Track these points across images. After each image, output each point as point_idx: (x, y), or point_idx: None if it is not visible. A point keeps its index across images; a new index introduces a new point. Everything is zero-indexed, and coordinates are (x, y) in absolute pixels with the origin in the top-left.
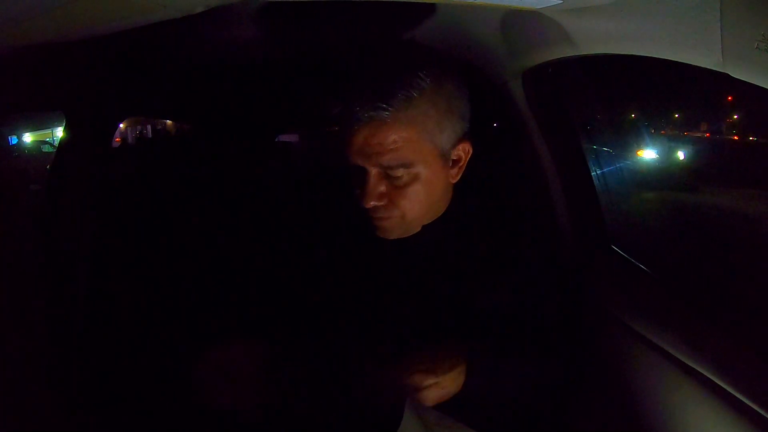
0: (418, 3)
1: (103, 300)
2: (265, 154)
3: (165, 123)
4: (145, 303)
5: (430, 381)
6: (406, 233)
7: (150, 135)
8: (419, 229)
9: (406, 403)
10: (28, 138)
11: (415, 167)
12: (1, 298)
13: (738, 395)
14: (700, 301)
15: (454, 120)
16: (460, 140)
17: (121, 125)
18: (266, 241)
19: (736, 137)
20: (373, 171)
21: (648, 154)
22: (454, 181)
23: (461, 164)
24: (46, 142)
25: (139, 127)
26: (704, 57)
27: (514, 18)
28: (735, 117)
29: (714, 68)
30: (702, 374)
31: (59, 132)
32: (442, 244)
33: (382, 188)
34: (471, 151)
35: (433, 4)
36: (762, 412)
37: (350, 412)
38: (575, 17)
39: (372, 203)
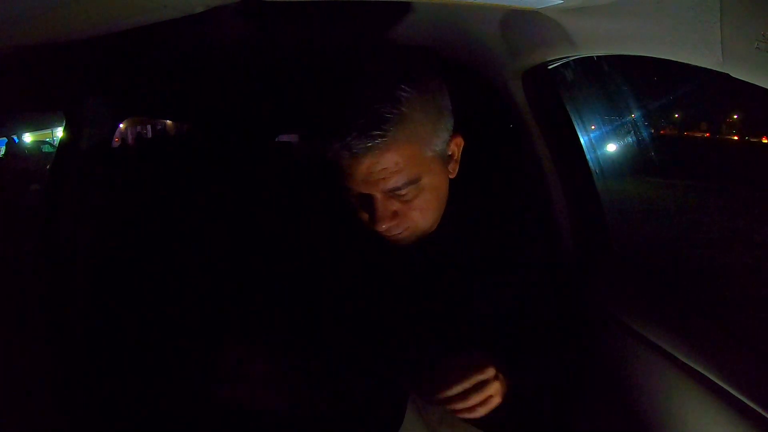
0: (418, 3)
1: (102, 299)
2: (265, 154)
3: (165, 123)
4: (144, 303)
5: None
6: (420, 238)
7: (150, 135)
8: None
9: (408, 402)
10: (28, 138)
11: (421, 180)
12: (1, 298)
13: (738, 395)
14: (699, 300)
15: (444, 119)
16: (452, 136)
17: (121, 125)
18: (265, 242)
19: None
20: (380, 195)
21: None
22: (453, 176)
23: (456, 158)
24: (46, 142)
25: (138, 127)
26: (704, 57)
27: (514, 18)
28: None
29: (714, 68)
30: (702, 374)
31: (59, 132)
32: (443, 247)
33: (393, 208)
34: (463, 143)
35: (433, 4)
36: (762, 412)
37: (353, 411)
38: (575, 17)
39: (386, 225)
